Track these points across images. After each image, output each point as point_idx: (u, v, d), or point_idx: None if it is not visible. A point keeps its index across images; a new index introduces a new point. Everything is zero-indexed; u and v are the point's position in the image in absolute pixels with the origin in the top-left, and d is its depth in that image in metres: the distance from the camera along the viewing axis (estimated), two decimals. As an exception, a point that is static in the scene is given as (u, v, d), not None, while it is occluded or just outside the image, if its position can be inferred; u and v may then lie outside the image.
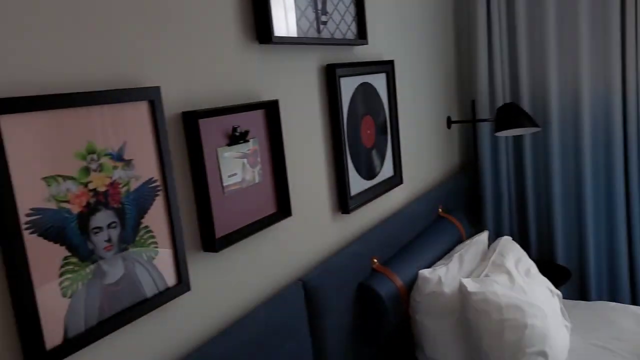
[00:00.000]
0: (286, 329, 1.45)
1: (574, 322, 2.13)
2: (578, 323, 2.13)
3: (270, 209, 1.50)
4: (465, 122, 2.74)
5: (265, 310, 1.41)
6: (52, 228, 0.94)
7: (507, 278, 1.89)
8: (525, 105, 2.78)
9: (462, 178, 2.84)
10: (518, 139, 2.89)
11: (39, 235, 0.92)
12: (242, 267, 1.42)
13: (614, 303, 2.31)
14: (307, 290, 1.57)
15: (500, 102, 2.81)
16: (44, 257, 0.93)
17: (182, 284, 1.20)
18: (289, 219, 1.59)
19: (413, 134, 2.43)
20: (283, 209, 1.53)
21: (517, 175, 2.88)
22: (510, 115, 2.53)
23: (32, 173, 0.91)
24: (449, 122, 2.81)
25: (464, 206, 2.81)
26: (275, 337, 1.41)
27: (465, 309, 1.76)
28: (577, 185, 2.71)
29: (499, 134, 2.69)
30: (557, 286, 2.53)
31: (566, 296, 2.75)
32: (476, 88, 2.82)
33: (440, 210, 2.49)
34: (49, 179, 0.94)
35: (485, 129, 2.86)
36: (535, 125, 2.50)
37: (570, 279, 2.68)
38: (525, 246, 2.88)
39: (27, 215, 0.91)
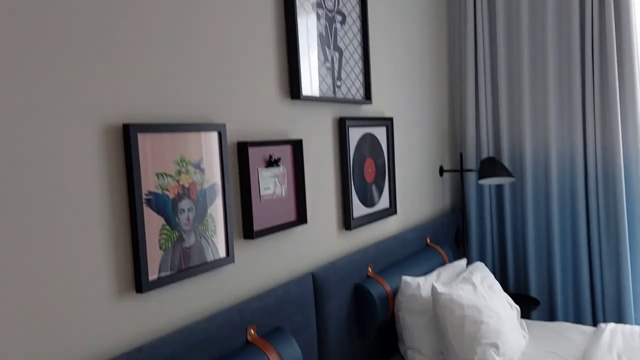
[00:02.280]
0: (297, 305, 1.98)
1: (532, 336, 2.60)
2: (536, 336, 2.60)
3: (291, 216, 2.07)
4: (454, 171, 3.31)
5: (283, 288, 1.95)
6: (158, 205, 1.53)
7: (471, 288, 2.40)
8: (505, 158, 3.35)
9: (451, 217, 3.38)
10: (499, 187, 3.43)
11: (150, 208, 1.50)
12: (270, 255, 1.97)
13: (570, 323, 2.78)
14: (316, 281, 2.10)
15: (485, 155, 3.38)
16: (151, 221, 1.51)
17: (230, 257, 1.76)
18: (304, 225, 2.16)
19: (409, 177, 3.00)
20: (301, 217, 2.10)
21: (499, 218, 3.41)
22: (490, 166, 3.09)
23: (150, 169, 1.51)
24: (441, 170, 3.38)
25: (450, 241, 3.33)
26: (288, 308, 1.94)
27: (435, 306, 2.26)
28: (547, 226, 3.22)
29: (481, 182, 3.24)
30: (528, 313, 3.00)
31: (537, 319, 3.19)
32: (465, 142, 3.41)
33: (428, 240, 3.02)
34: (158, 174, 1.53)
35: (471, 177, 3.42)
36: (511, 176, 3.05)
37: (540, 307, 3.15)
38: (504, 278, 3.36)
39: (146, 195, 1.49)
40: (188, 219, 1.63)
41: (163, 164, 1.55)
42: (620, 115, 3.02)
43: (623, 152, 3.01)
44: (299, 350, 1.80)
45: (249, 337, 1.74)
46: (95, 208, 1.37)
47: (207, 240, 1.69)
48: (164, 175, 1.55)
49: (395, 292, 2.40)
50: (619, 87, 3.00)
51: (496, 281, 2.63)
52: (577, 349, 2.44)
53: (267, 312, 1.84)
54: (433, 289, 2.29)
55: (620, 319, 3.04)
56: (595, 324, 3.13)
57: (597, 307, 3.13)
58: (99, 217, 1.38)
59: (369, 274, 2.41)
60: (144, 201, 1.48)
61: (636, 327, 2.55)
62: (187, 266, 1.62)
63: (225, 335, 1.66)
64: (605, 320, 3.09)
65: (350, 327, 2.27)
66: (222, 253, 1.75)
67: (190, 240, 1.63)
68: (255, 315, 1.79)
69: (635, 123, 2.99)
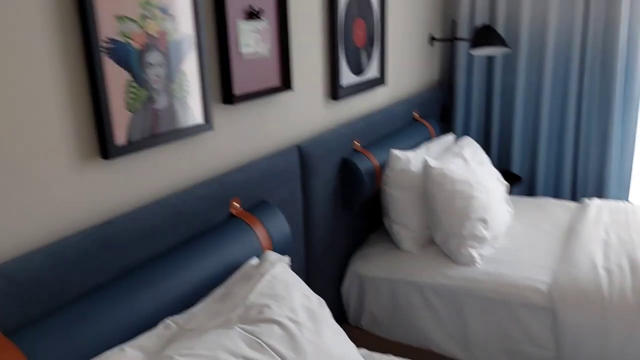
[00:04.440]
0: (282, 179, 1.82)
1: (517, 211, 2.56)
2: (520, 211, 2.56)
3: (275, 81, 1.83)
4: (445, 40, 3.05)
5: (267, 161, 1.76)
6: (120, 56, 1.26)
7: (462, 162, 2.28)
8: (500, 29, 3.09)
9: (438, 92, 3.19)
10: (490, 60, 3.22)
11: (112, 59, 1.24)
12: (252, 123, 1.76)
13: (554, 199, 2.75)
14: (302, 154, 1.93)
15: (478, 25, 3.11)
16: (114, 76, 1.25)
17: (208, 124, 1.54)
18: (289, 93, 1.93)
19: (398, 46, 2.74)
20: (285, 82, 1.86)
21: (487, 93, 3.23)
22: (485, 35, 2.84)
23: (108, 10, 1.22)
24: (432, 39, 3.12)
25: (437, 115, 3.18)
26: (273, 182, 1.77)
27: (426, 180, 2.15)
28: (536, 103, 3.08)
29: (473, 51, 3.00)
30: (510, 189, 2.95)
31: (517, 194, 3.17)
32: (458, 10, 3.12)
33: (415, 114, 2.84)
34: (119, 18, 1.25)
35: (463, 49, 3.18)
36: (506, 46, 2.83)
37: (521, 182, 3.11)
38: (487, 154, 3.26)
39: (105, 42, 1.22)
40: (158, 75, 1.38)
41: (124, 4, 1.26)
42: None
43: (621, 31, 2.80)
44: (286, 223, 1.67)
45: (232, 211, 1.58)
46: (45, 60, 1.11)
47: (181, 103, 1.46)
48: (126, 20, 1.27)
49: (382, 167, 2.27)
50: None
51: (487, 157, 2.52)
52: (561, 223, 2.42)
53: (251, 185, 1.67)
54: (425, 163, 2.16)
55: (599, 195, 3.03)
56: (574, 199, 3.13)
57: (577, 184, 3.11)
58: (51, 72, 1.12)
59: (356, 148, 2.24)
60: (102, 50, 1.22)
61: (621, 203, 2.53)
62: (160, 131, 1.40)
63: (207, 208, 1.50)
64: (583, 196, 3.09)
65: (336, 201, 2.15)
66: (200, 119, 1.53)
67: (161, 101, 1.40)
68: (237, 188, 1.62)
69: (638, 2, 2.74)
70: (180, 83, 1.45)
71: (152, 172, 1.41)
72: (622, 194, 3.04)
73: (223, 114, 1.64)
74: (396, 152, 2.25)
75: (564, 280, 1.92)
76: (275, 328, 1.17)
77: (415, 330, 2.07)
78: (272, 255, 1.43)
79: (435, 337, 2.04)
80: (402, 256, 2.20)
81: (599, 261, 2.00)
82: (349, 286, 2.21)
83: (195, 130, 1.50)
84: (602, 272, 1.93)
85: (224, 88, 1.62)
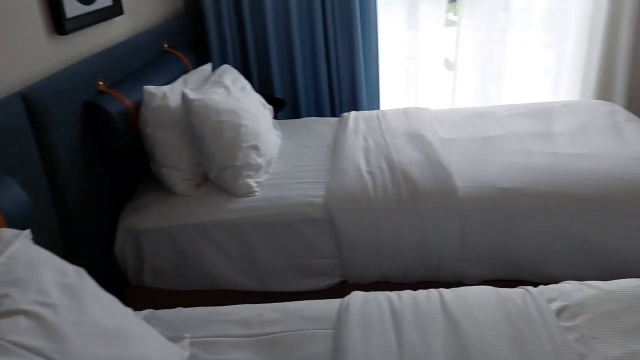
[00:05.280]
0: (6, 137, 1.46)
1: (285, 134, 2.58)
2: (288, 134, 2.58)
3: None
4: (184, -38, 2.80)
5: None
6: None
7: (224, 91, 2.16)
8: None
9: (186, 20, 2.95)
10: (236, -17, 3.08)
11: None
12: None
13: (317, 117, 2.85)
14: (28, 102, 1.56)
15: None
16: None
17: None
18: (-8, 27, 1.52)
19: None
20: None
21: (238, 17, 3.11)
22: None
23: None
24: (169, -38, 2.83)
25: (190, 45, 2.97)
26: (-5, 141, 1.41)
27: (188, 114, 1.98)
28: (286, 26, 3.07)
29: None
30: (275, 113, 2.96)
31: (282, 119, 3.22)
32: None
33: (165, 45, 2.59)
34: None
35: (205, -28, 2.96)
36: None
37: (285, 106, 3.16)
38: (249, 81, 3.19)
39: None
40: None
41: None
42: None
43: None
44: (21, 191, 1.36)
45: None
46: None
47: None
48: None
49: (137, 106, 2.02)
50: None
51: (247, 82, 2.44)
52: (327, 138, 2.51)
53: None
54: (184, 95, 1.98)
55: (355, 109, 3.25)
56: (334, 116, 3.30)
57: (335, 101, 3.28)
58: None
59: (100, 88, 1.93)
60: None
61: (373, 112, 2.74)
62: None
63: None
64: (342, 112, 3.27)
65: (88, 153, 1.85)
66: None
67: None
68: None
69: None
70: None
71: None
72: (374, 104, 3.31)
73: None
74: (150, 88, 2.01)
75: (335, 189, 2.00)
76: (21, 320, 0.93)
77: (204, 273, 1.97)
78: (5, 233, 1.14)
79: (227, 274, 1.97)
80: (178, 200, 2.04)
81: (363, 167, 2.13)
82: (122, 245, 1.97)
83: None
84: (366, 176, 2.06)
85: None
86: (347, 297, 1.41)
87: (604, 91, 3.27)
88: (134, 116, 2.00)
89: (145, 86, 2.02)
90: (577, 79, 3.29)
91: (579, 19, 3.16)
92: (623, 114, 2.46)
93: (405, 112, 2.66)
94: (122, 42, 2.24)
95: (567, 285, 1.39)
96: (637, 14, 3.02)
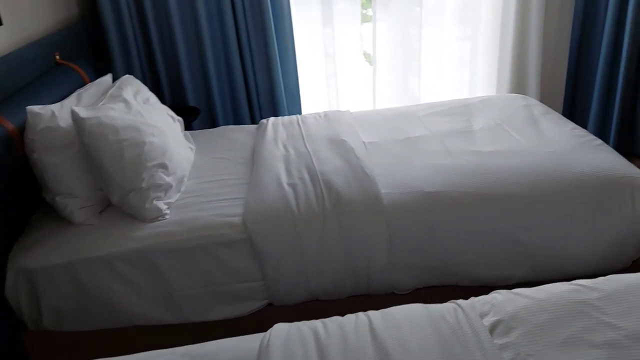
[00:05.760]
0: None
1: (198, 145, 2.39)
2: (202, 146, 2.40)
3: None
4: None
5: None
6: None
7: (123, 105, 1.95)
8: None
9: (82, 27, 2.69)
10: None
11: None
12: None
13: (234, 125, 2.68)
14: None
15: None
16: None
17: None
18: None
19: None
20: None
21: (141, 21, 2.87)
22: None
23: None
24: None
25: (89, 55, 2.71)
26: None
27: (81, 135, 1.77)
28: (195, 28, 2.87)
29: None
30: (189, 123, 2.76)
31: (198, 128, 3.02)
32: None
33: (57, 57, 2.33)
34: None
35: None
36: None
37: (200, 115, 2.96)
38: (159, 91, 2.97)
39: None
40: None
41: None
42: None
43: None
44: None
45: None
46: None
47: None
48: None
49: (22, 130, 1.77)
50: None
51: (152, 94, 2.24)
52: (245, 148, 2.36)
53: None
54: (74, 114, 1.76)
55: (275, 113, 3.11)
56: (254, 122, 3.15)
57: (253, 107, 3.12)
58: None
59: (-27, 111, 1.68)
60: None
61: (293, 117, 2.60)
62: None
63: None
64: (262, 117, 3.12)
65: (-38, 188, 1.60)
66: None
67: None
68: None
69: None
70: None
71: None
72: (295, 106, 3.18)
73: None
74: (34, 109, 1.78)
75: (254, 206, 1.85)
76: None
77: (112, 310, 1.77)
78: None
79: (138, 310, 1.78)
80: (77, 231, 1.82)
81: (284, 178, 1.99)
82: (14, 287, 1.73)
83: None
84: (287, 189, 1.93)
85: None
86: (268, 332, 1.27)
87: (518, 83, 3.33)
88: (18, 140, 1.75)
89: (29, 106, 1.77)
90: (492, 71, 3.33)
91: (489, 10, 3.19)
92: (538, 107, 2.48)
93: (326, 116, 2.55)
94: (3, 58, 1.97)
95: (498, 296, 1.33)
96: (544, 6, 3.10)
